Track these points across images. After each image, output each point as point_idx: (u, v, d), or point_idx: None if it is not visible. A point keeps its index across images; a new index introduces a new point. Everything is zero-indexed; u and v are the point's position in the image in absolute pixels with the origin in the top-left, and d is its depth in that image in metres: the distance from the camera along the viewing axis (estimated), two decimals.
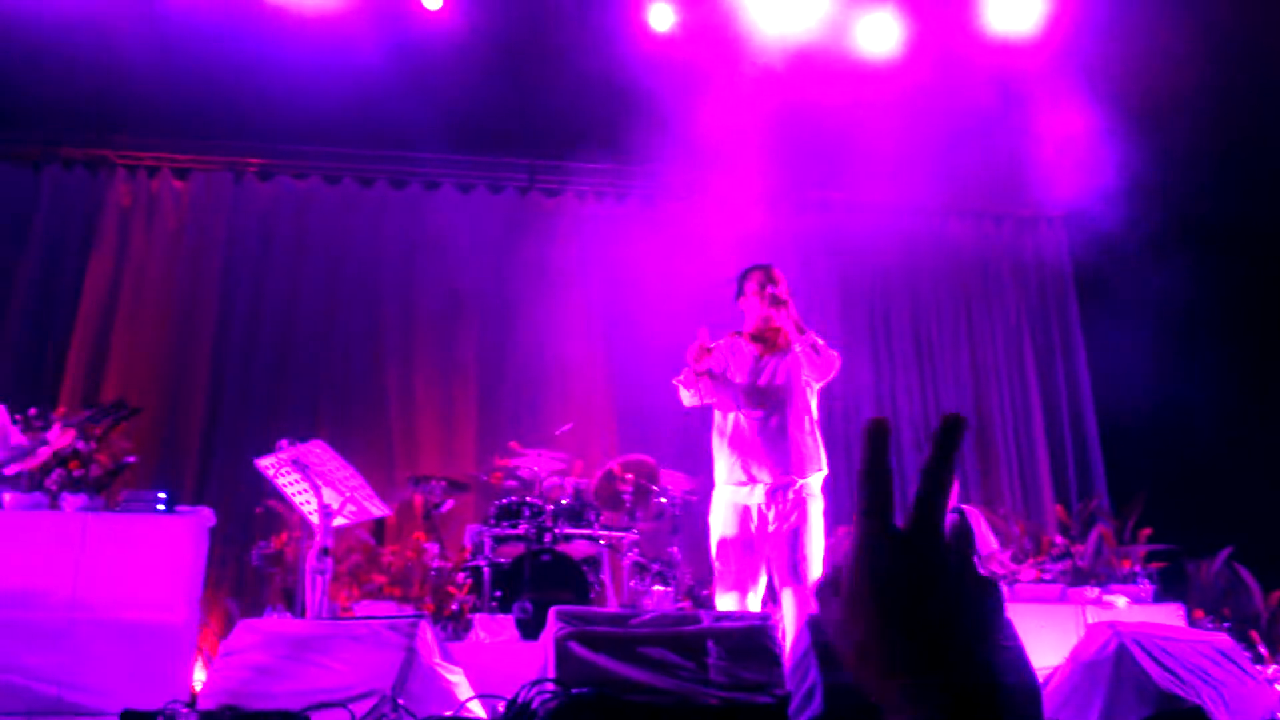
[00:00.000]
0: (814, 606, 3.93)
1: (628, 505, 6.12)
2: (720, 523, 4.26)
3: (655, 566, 5.87)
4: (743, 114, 7.12)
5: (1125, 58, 6.84)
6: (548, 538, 5.67)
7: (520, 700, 3.18)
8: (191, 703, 3.61)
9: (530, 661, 3.82)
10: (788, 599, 4.09)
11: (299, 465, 4.36)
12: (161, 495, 4.97)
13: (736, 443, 4.26)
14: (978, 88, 7.26)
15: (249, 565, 6.56)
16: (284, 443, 4.40)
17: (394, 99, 7.07)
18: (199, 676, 4.99)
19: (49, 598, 4.50)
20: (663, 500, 6.16)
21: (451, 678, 3.61)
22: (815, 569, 4.07)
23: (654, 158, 7.45)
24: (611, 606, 5.63)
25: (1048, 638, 4.76)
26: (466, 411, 7.84)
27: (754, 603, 4.17)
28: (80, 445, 4.86)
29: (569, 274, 7.98)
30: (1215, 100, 6.70)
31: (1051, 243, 9.01)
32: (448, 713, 3.48)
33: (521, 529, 5.74)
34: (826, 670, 3.25)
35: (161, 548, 4.75)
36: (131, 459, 5.27)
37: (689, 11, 6.98)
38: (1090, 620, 5.36)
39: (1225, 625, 6.17)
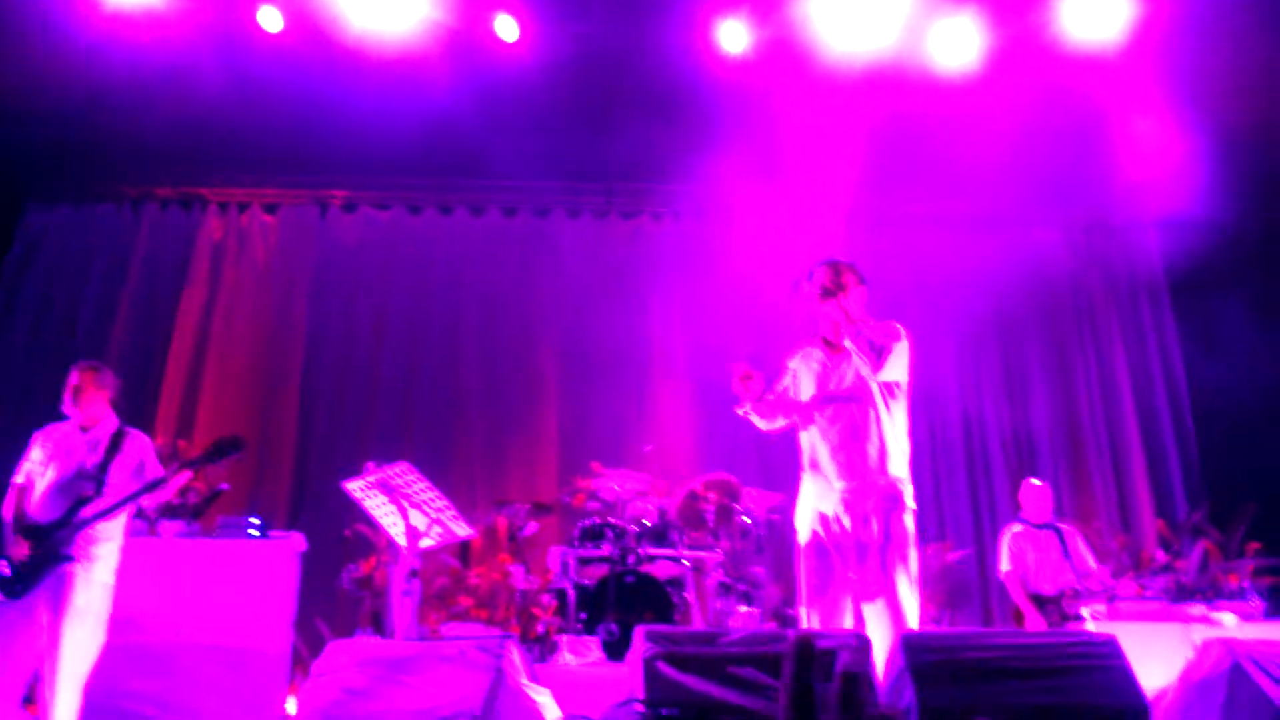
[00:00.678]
0: (905, 621, 3.81)
1: (711, 525, 6.07)
2: (803, 534, 4.13)
3: (740, 586, 5.81)
4: (818, 131, 7.07)
5: (1214, 64, 6.64)
6: (631, 559, 5.64)
7: None
8: None
9: (616, 683, 3.79)
10: (876, 613, 3.88)
11: (386, 487, 4.39)
12: (255, 520, 5.09)
13: (814, 453, 4.15)
14: (1060, 95, 7.10)
15: (339, 588, 6.69)
16: (370, 465, 4.41)
17: (472, 130, 7.24)
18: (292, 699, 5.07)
19: (151, 623, 4.65)
20: (746, 519, 6.10)
21: (539, 699, 3.60)
22: (904, 580, 3.88)
23: (729, 176, 7.44)
24: (697, 627, 5.57)
25: (1154, 656, 4.56)
26: (547, 433, 7.91)
27: (844, 619, 4.00)
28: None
29: (645, 295, 8.02)
30: None
31: (1143, 250, 8.72)
32: None
33: (605, 550, 5.73)
34: (923, 690, 3.16)
35: (256, 572, 4.88)
36: (225, 486, 5.41)
37: (761, 29, 6.95)
38: (1196, 638, 5.12)
39: None
